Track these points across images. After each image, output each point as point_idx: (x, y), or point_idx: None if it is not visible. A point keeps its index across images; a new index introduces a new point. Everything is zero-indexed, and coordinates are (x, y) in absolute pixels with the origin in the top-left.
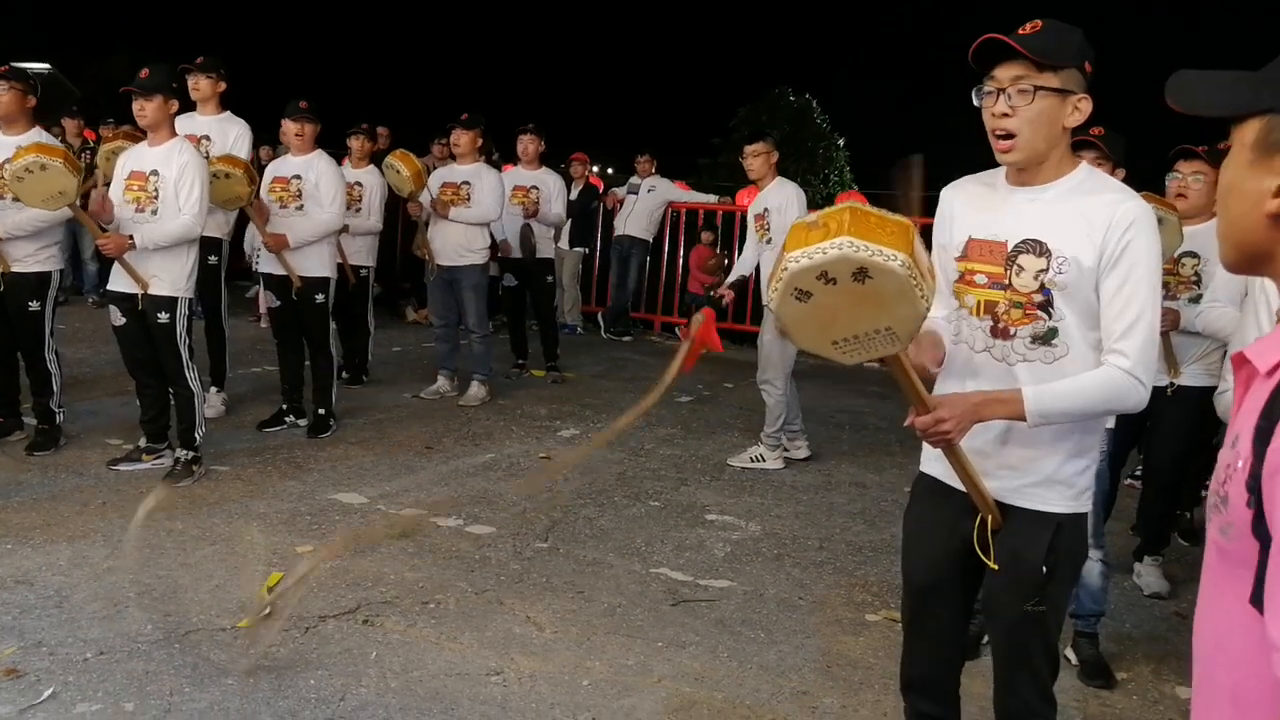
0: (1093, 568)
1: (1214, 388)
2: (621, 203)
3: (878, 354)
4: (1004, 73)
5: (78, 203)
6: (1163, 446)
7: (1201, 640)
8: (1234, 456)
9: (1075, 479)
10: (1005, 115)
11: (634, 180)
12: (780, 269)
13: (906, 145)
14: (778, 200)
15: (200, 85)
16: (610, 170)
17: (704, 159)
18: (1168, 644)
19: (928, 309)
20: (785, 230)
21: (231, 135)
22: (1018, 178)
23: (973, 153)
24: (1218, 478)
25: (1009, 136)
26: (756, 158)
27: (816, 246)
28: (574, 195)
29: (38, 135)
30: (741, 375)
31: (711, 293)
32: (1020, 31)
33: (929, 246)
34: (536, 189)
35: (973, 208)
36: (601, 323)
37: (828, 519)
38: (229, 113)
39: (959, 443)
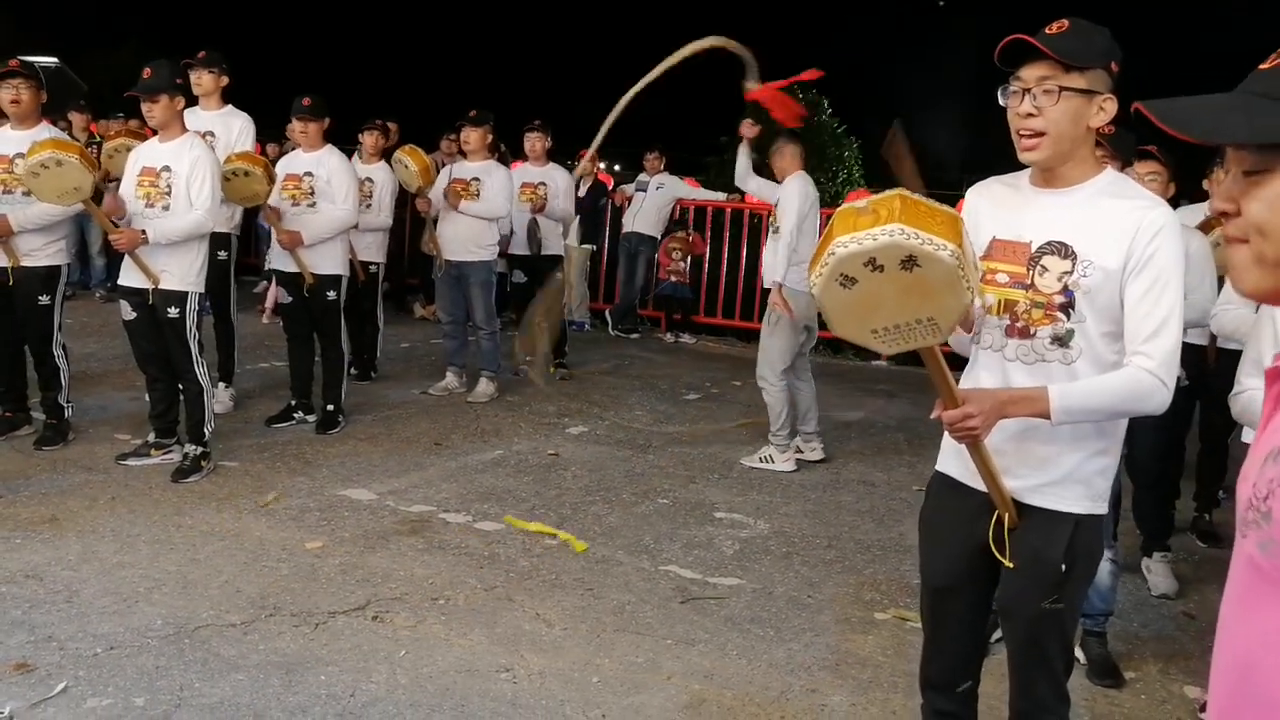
0: (1102, 567)
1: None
2: (630, 200)
3: (917, 344)
4: (1030, 73)
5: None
6: (1143, 440)
7: (1227, 653)
8: (1276, 471)
9: (1094, 479)
10: (1030, 115)
11: (643, 177)
12: (826, 253)
13: (912, 141)
14: (785, 192)
15: (203, 80)
16: (618, 167)
17: (712, 156)
18: (1176, 644)
19: (972, 301)
20: (787, 221)
21: (235, 130)
22: (1042, 179)
23: (977, 149)
24: (1259, 492)
25: (1033, 136)
26: (778, 155)
27: (866, 232)
28: (582, 192)
29: (51, 131)
30: (749, 373)
31: (675, 278)
32: (1047, 31)
33: None
34: (544, 185)
35: (997, 208)
36: (609, 319)
37: (836, 517)
38: (231, 106)
39: (984, 439)
